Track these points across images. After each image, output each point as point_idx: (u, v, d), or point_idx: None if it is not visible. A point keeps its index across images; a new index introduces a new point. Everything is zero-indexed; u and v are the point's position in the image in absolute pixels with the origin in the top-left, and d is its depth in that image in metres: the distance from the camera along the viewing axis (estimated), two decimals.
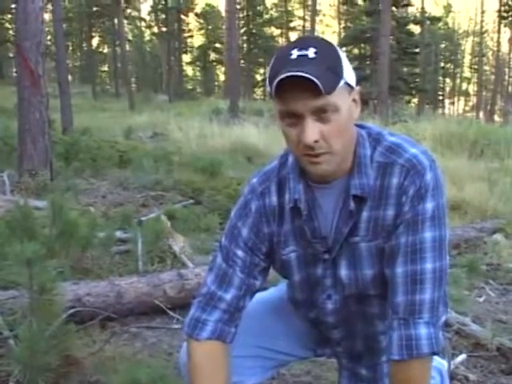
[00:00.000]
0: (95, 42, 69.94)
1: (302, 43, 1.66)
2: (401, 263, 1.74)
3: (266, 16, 70.63)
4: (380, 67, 31.97)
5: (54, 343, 2.86)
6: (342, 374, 2.18)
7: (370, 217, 1.79)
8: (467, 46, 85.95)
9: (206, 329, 1.89)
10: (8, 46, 54.69)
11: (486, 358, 3.70)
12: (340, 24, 67.38)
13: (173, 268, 5.03)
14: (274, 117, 1.75)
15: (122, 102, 43.11)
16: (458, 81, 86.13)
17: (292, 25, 74.27)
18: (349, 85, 1.69)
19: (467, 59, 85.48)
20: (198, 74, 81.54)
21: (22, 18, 9.29)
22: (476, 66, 76.01)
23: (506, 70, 74.20)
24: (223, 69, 58.36)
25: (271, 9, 72.86)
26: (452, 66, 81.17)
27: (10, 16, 50.81)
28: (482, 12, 71.38)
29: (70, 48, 68.59)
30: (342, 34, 59.51)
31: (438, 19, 56.13)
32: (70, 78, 37.59)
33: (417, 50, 44.02)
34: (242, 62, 60.74)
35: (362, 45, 44.68)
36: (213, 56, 73.58)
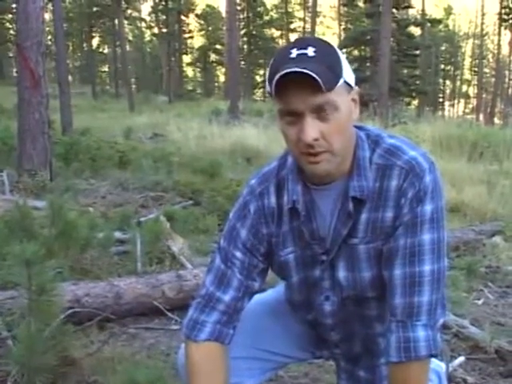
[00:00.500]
0: (95, 42, 69.93)
1: (301, 43, 1.66)
2: (399, 265, 1.74)
3: (267, 17, 70.66)
4: (380, 69, 31.95)
5: (53, 344, 2.86)
6: (341, 376, 2.18)
7: (368, 219, 1.79)
8: (467, 48, 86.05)
9: (204, 330, 1.89)
10: (8, 45, 54.71)
11: (485, 361, 3.70)
12: (340, 26, 67.32)
13: (171, 269, 5.03)
14: (275, 116, 1.76)
15: (121, 103, 43.12)
16: (458, 83, 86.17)
17: (292, 26, 74.25)
18: (348, 84, 1.69)
19: (467, 61, 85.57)
20: (198, 74, 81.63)
21: (22, 18, 9.31)
22: (476, 69, 76.05)
23: (507, 72, 74.19)
24: (223, 70, 58.49)
25: (271, 10, 72.88)
26: (452, 68, 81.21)
27: (10, 16, 50.78)
28: (483, 14, 71.33)
29: (70, 48, 68.61)
30: (343, 36, 59.48)
31: (439, 21, 56.22)
32: (70, 78, 37.67)
33: (417, 52, 44.06)
34: (242, 63, 60.71)
35: (363, 47, 44.70)
36: (213, 57, 73.62)
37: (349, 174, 1.79)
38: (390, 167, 1.76)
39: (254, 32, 66.76)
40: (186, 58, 72.82)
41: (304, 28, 68.46)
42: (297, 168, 1.84)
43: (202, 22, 71.97)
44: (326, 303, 1.95)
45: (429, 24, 51.12)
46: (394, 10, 37.32)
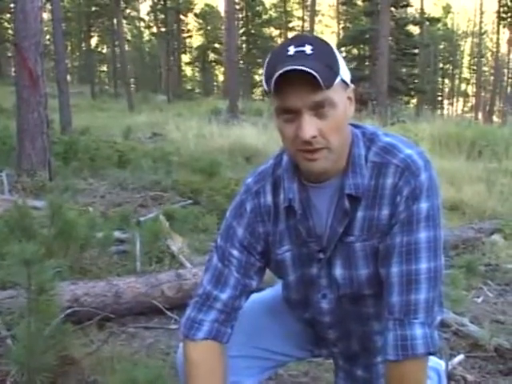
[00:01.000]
0: (94, 41, 69.87)
1: (298, 40, 1.67)
2: (396, 263, 1.74)
3: (265, 16, 70.63)
4: (379, 68, 32.00)
5: (52, 343, 2.86)
6: (338, 375, 2.18)
7: (364, 217, 1.79)
8: (466, 46, 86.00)
9: (202, 329, 1.90)
10: (7, 45, 54.62)
11: (484, 359, 3.70)
12: (339, 24, 67.44)
13: (171, 268, 5.03)
14: (272, 115, 1.76)
15: (120, 102, 43.08)
16: (456, 81, 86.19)
17: (291, 25, 74.27)
18: (344, 82, 1.70)
19: (466, 60, 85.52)
20: (197, 74, 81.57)
21: (20, 18, 9.31)
22: (475, 67, 75.97)
23: (505, 70, 74.23)
24: (222, 69, 58.60)
25: (270, 9, 72.85)
26: (451, 67, 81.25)
27: (8, 15, 50.74)
28: (481, 13, 71.47)
29: (69, 48, 68.53)
30: (341, 35, 59.57)
31: (437, 20, 56.13)
32: (68, 77, 37.69)
33: (416, 51, 44.05)
34: (241, 62, 60.71)
35: (361, 45, 44.72)
36: (212, 56, 73.50)
37: (344, 171, 1.79)
38: (386, 165, 1.77)
39: (252, 31, 66.79)
40: (185, 58, 72.76)
41: (303, 27, 68.46)
42: (292, 166, 1.84)
43: (201, 21, 71.87)
44: (323, 301, 1.95)
45: (427, 22, 51.03)
46: (393, 9, 37.35)
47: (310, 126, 1.64)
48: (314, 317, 2.02)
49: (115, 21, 48.37)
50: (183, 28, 67.59)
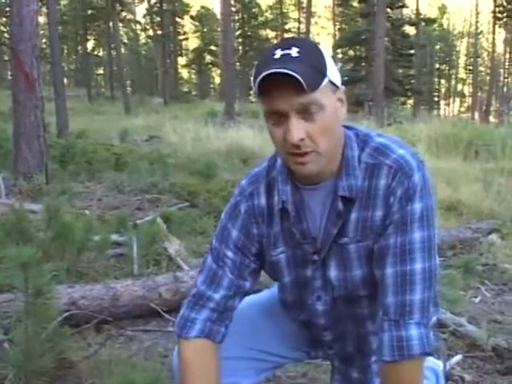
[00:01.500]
0: (90, 45, 69.85)
1: (285, 44, 1.67)
2: (390, 264, 1.74)
3: (261, 18, 70.73)
4: (375, 69, 32.01)
5: (50, 346, 2.86)
6: (334, 376, 2.18)
7: (358, 218, 1.80)
8: (462, 47, 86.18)
9: (194, 327, 1.91)
10: (3, 49, 54.58)
11: (482, 359, 3.70)
12: (335, 26, 67.36)
13: (168, 271, 5.03)
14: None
15: (117, 105, 43.09)
16: (453, 82, 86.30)
17: (287, 27, 74.31)
18: (333, 83, 1.70)
19: (462, 60, 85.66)
20: (193, 76, 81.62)
21: (16, 22, 9.30)
22: (471, 67, 76.13)
23: (501, 70, 74.31)
24: (218, 71, 58.41)
25: (266, 11, 72.93)
26: (447, 67, 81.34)
27: (4, 19, 50.71)
28: (477, 13, 71.47)
29: (65, 51, 68.52)
30: (338, 36, 59.54)
31: (433, 20, 56.34)
32: (65, 81, 37.66)
33: (412, 52, 44.12)
34: (238, 64, 60.80)
35: (358, 46, 44.75)
36: (208, 58, 73.55)
37: (338, 173, 1.79)
38: (379, 166, 1.77)
39: (248, 33, 66.88)
40: (181, 60, 72.89)
41: (299, 28, 68.49)
42: (286, 168, 1.84)
43: (197, 23, 71.94)
44: (317, 303, 1.96)
45: (423, 23, 51.23)
46: (389, 10, 37.39)
47: (297, 129, 1.64)
48: (309, 319, 2.02)
49: (111, 24, 48.42)
50: (179, 30, 67.62)
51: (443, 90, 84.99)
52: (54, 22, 20.49)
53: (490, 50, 65.53)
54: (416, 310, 1.72)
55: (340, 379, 2.15)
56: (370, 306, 1.91)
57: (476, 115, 64.56)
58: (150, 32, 67.45)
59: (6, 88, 28.77)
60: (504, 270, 5.94)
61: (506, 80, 74.18)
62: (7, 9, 28.85)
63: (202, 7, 73.72)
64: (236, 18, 63.02)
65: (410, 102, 51.31)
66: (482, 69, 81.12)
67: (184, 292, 4.22)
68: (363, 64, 41.96)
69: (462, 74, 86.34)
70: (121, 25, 59.88)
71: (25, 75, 9.23)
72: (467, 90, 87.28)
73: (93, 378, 3.12)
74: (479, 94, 77.11)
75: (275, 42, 67.19)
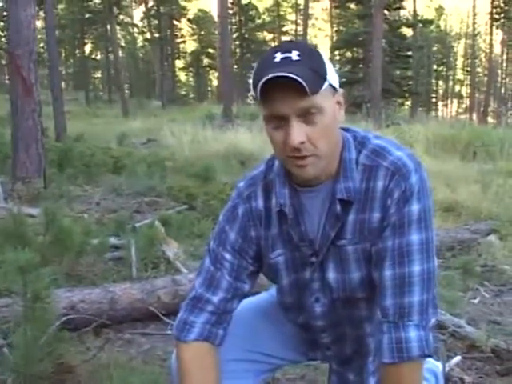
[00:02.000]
0: (88, 48, 69.75)
1: (284, 47, 1.67)
2: (389, 266, 1.74)
3: (259, 21, 70.63)
4: (373, 70, 31.99)
5: (48, 351, 2.86)
6: (331, 378, 2.18)
7: (356, 220, 1.79)
8: (460, 48, 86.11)
9: (193, 330, 1.91)
10: (0, 53, 54.58)
11: (481, 360, 3.70)
12: (333, 28, 67.40)
13: (167, 274, 5.03)
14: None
15: (115, 109, 43.09)
16: (450, 83, 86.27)
17: (284, 29, 74.31)
18: (333, 87, 1.70)
19: (460, 61, 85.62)
20: (191, 79, 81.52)
21: (14, 26, 9.31)
22: (469, 68, 76.08)
23: (499, 71, 74.42)
24: (216, 74, 58.51)
25: (263, 13, 72.84)
26: (445, 69, 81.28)
27: (1, 23, 50.69)
28: (474, 14, 71.56)
29: (63, 55, 68.45)
30: (335, 38, 59.57)
31: (430, 22, 56.31)
32: (63, 84, 37.63)
33: (409, 53, 44.08)
34: (235, 66, 60.79)
35: (355, 48, 44.78)
36: (206, 61, 73.49)
37: (335, 175, 1.79)
38: (376, 168, 1.77)
39: (246, 35, 66.79)
40: (179, 63, 72.74)
41: (296, 31, 68.55)
42: (284, 171, 1.84)
43: (195, 26, 71.80)
44: (316, 305, 1.95)
45: (420, 25, 51.18)
46: (386, 12, 37.34)
47: (298, 133, 1.64)
48: (308, 321, 2.02)
49: (109, 27, 48.42)
50: (177, 33, 67.54)
51: (441, 92, 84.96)
52: (51, 26, 20.47)
53: (488, 51, 65.61)
54: (415, 312, 1.72)
55: (337, 380, 2.14)
56: (369, 307, 1.91)
57: (474, 116, 64.60)
58: (148, 35, 67.39)
59: (3, 92, 28.76)
60: (503, 270, 5.94)
61: (503, 81, 74.35)
62: (4, 13, 28.87)
63: (200, 10, 73.63)
64: (233, 20, 62.93)
65: (408, 103, 51.31)
66: (479, 70, 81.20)
67: (183, 295, 4.21)
68: (361, 66, 41.98)
69: (459, 75, 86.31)
70: (118, 28, 59.80)
71: (22, 80, 9.23)
72: (465, 91, 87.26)
73: (92, 381, 3.11)
74: (477, 95, 77.12)
75: (273, 44, 67.37)
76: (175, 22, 64.95)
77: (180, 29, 69.40)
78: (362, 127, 2.11)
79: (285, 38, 71.90)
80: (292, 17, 73.58)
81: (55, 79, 20.03)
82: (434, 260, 1.77)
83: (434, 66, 76.83)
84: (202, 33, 71.99)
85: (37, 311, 2.80)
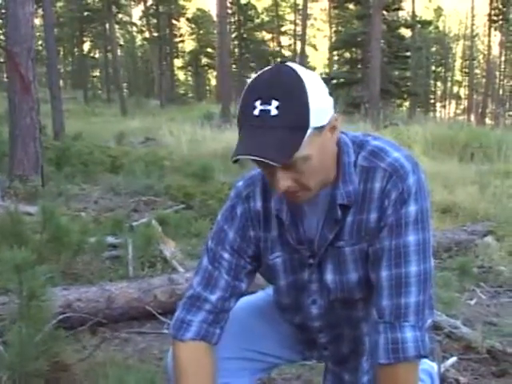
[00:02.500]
0: (87, 47, 69.77)
1: (265, 93, 1.58)
2: (385, 267, 1.74)
3: (258, 20, 70.55)
4: (371, 70, 31.98)
5: (44, 349, 2.85)
6: (327, 377, 2.18)
7: (353, 221, 1.79)
8: (458, 49, 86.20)
9: (190, 329, 1.90)
10: None
11: (477, 361, 3.70)
12: (331, 28, 67.36)
13: (163, 273, 5.03)
14: None
15: (113, 108, 43.12)
16: (449, 84, 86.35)
17: (283, 29, 74.34)
18: (319, 127, 1.62)
19: (458, 63, 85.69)
20: (189, 78, 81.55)
21: (12, 23, 9.31)
22: (467, 70, 76.05)
23: (497, 73, 74.42)
24: (215, 73, 58.51)
25: (262, 13, 72.80)
26: (443, 70, 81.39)
27: (0, 21, 50.68)
28: (473, 16, 71.50)
29: (62, 53, 68.41)
30: (334, 38, 59.54)
31: (429, 23, 56.28)
32: (61, 83, 37.62)
33: (408, 54, 44.09)
34: (234, 66, 60.78)
35: (354, 48, 44.70)
36: (204, 61, 73.43)
37: (334, 181, 1.78)
38: (374, 169, 1.76)
39: (245, 35, 66.71)
40: (178, 62, 72.83)
41: (295, 31, 68.53)
42: None
43: (193, 25, 71.75)
44: (312, 307, 1.95)
45: (419, 25, 51.14)
46: (385, 12, 37.32)
47: (283, 181, 1.63)
48: (305, 322, 2.02)
49: (107, 26, 48.42)
50: (175, 33, 67.55)
51: (439, 93, 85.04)
52: (49, 23, 20.46)
53: (486, 52, 65.74)
54: (411, 313, 1.72)
55: (332, 379, 2.14)
56: (366, 308, 1.91)
57: (472, 117, 64.62)
58: (147, 34, 67.43)
59: (1, 90, 28.73)
60: (499, 272, 5.95)
61: (501, 82, 74.30)
62: (3, 11, 28.83)
63: (198, 9, 73.58)
64: (232, 20, 62.81)
65: (406, 104, 51.36)
66: (477, 71, 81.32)
67: (179, 294, 4.21)
68: (359, 66, 41.93)
69: (457, 76, 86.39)
70: (117, 27, 59.81)
71: (20, 77, 9.22)
72: (463, 92, 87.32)
73: (88, 380, 3.11)
74: (475, 96, 77.11)
75: (271, 44, 67.41)
76: (174, 21, 64.99)
77: (179, 28, 69.42)
78: (360, 128, 2.11)
79: (283, 38, 72.05)
80: (291, 17, 73.54)
81: (53, 77, 20.00)
82: (431, 261, 1.77)
83: (433, 67, 76.96)
84: (201, 32, 71.96)
85: (32, 309, 2.79)
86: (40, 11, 32.52)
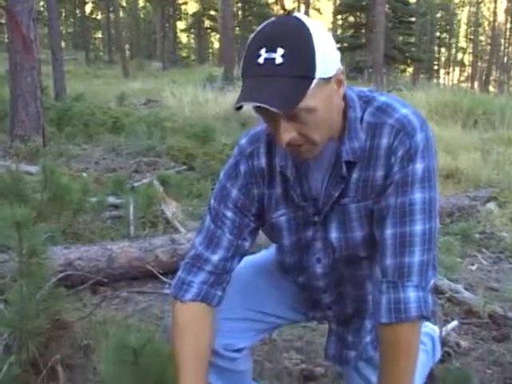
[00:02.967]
0: (89, 8, 69.43)
1: (271, 41, 1.53)
2: (390, 225, 1.71)
3: None
4: (375, 35, 31.82)
5: (45, 307, 2.84)
6: (330, 338, 2.16)
7: (359, 178, 1.76)
8: (463, 15, 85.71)
9: (190, 290, 1.88)
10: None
11: (478, 325, 3.71)
12: None
13: (165, 233, 5.02)
14: None
15: (115, 69, 42.86)
16: (453, 51, 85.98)
17: None
18: (325, 79, 1.57)
19: (463, 29, 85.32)
20: (192, 41, 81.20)
21: None
22: (472, 37, 75.79)
23: (502, 40, 74.05)
24: (218, 36, 58.04)
25: None
26: (447, 36, 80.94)
27: None
28: None
29: (63, 14, 68.03)
30: (338, 2, 59.10)
31: None
32: (63, 44, 37.38)
33: (412, 19, 43.93)
34: (237, 29, 60.36)
35: (358, 13, 44.46)
36: (207, 23, 73.03)
37: (340, 136, 1.74)
38: (381, 125, 1.72)
39: None
40: (180, 24, 72.49)
41: None
42: None
43: None
44: (317, 265, 1.93)
45: None
46: None
47: (286, 133, 1.59)
48: (309, 281, 2.00)
49: None
50: None
51: (443, 59, 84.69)
52: None
53: (491, 19, 65.31)
54: (415, 273, 1.70)
55: (335, 341, 2.13)
56: (371, 267, 1.90)
57: (475, 85, 64.42)
58: None
59: (2, 51, 28.58)
60: (501, 238, 5.95)
61: (506, 50, 73.99)
62: None
63: None
64: None
65: (410, 70, 51.21)
66: (482, 38, 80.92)
67: (181, 254, 4.21)
68: (363, 31, 41.78)
69: (462, 43, 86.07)
70: None
71: (22, 37, 9.15)
72: (467, 59, 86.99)
73: (88, 338, 3.11)
74: (479, 63, 76.88)
75: (275, 7, 66.88)
76: None
77: None
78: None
79: (287, 1, 71.47)
80: None
81: (55, 38, 19.83)
82: (437, 220, 1.74)
83: (437, 33, 76.51)
84: None
85: (33, 267, 2.78)
86: None
